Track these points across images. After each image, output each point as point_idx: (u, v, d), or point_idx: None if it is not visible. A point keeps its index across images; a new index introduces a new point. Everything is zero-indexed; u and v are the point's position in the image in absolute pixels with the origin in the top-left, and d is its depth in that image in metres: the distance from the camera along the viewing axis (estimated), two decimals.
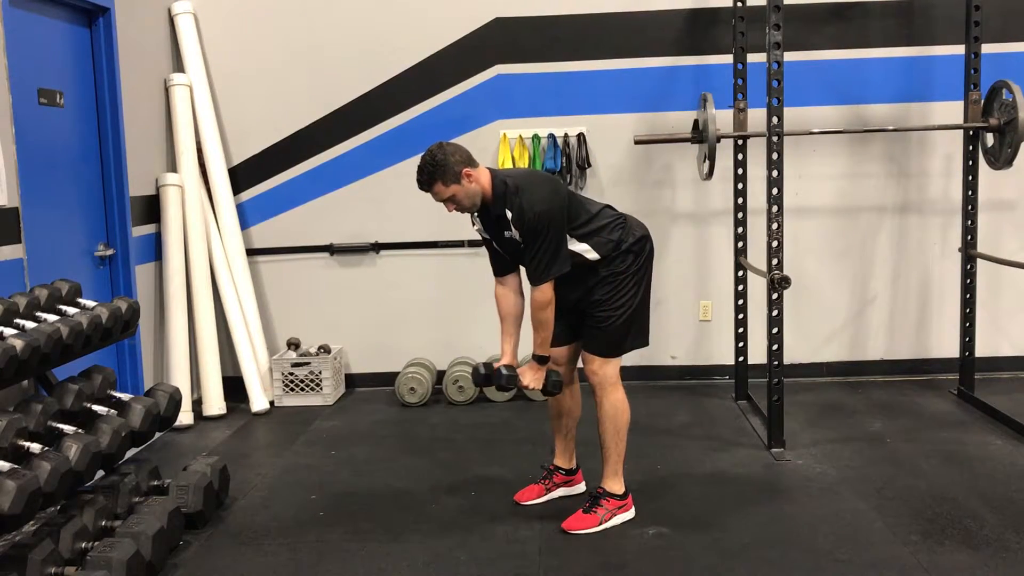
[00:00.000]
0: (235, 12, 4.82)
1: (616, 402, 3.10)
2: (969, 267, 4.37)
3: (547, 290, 2.95)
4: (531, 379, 3.07)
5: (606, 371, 3.09)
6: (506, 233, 2.97)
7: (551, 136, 4.67)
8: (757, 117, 4.15)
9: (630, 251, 3.06)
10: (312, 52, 4.82)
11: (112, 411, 3.11)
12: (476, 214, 3.08)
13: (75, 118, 3.99)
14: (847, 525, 3.06)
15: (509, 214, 2.91)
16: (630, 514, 3.15)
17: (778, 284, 3.66)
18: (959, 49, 4.34)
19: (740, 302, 4.49)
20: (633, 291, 3.06)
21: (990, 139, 4.21)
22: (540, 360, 3.06)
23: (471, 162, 2.94)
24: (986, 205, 4.51)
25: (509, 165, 4.69)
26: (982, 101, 4.19)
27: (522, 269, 3.10)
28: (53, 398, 3.01)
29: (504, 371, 3.07)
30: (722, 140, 4.26)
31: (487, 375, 3.17)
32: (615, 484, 3.14)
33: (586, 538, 3.03)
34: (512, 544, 3.00)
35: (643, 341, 3.17)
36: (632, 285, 3.06)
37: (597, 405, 3.12)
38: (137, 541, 2.69)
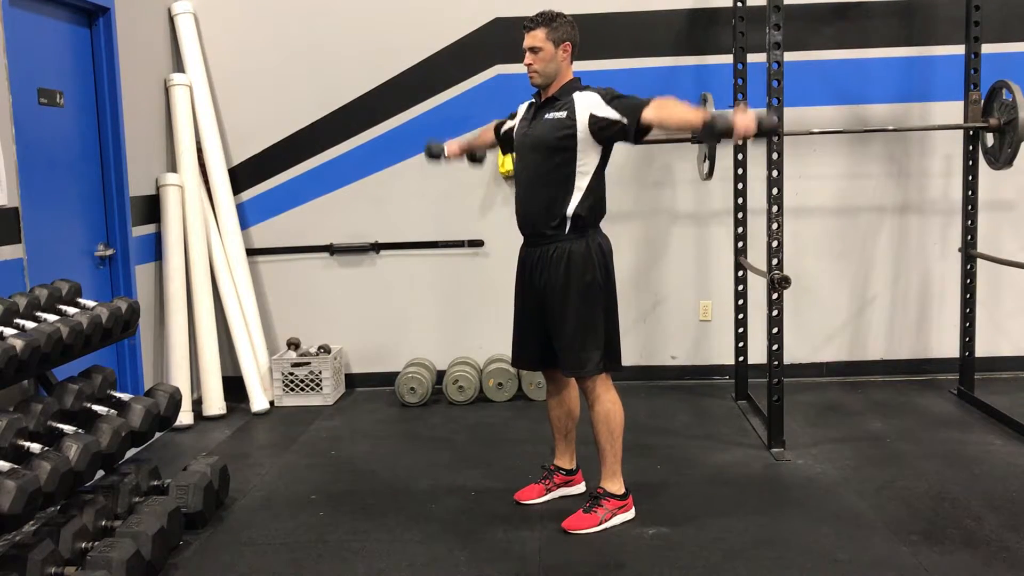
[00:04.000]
0: (235, 12, 4.82)
1: (607, 403, 3.09)
2: (969, 267, 4.37)
3: (656, 100, 2.87)
4: (743, 120, 2.71)
5: (587, 381, 3.08)
6: (547, 115, 3.01)
7: None
8: None
9: (600, 250, 3.06)
10: (312, 52, 4.82)
11: (112, 411, 3.11)
12: (515, 117, 3.21)
13: (75, 118, 3.99)
14: (847, 525, 3.06)
15: (578, 96, 2.97)
16: (630, 514, 3.15)
17: (778, 284, 3.66)
18: (959, 49, 4.34)
19: (740, 302, 4.49)
20: (592, 297, 3.02)
21: (990, 139, 4.21)
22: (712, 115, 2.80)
23: (574, 51, 3.06)
24: (986, 205, 4.51)
25: (509, 165, 4.69)
26: (982, 101, 4.19)
27: None
28: (53, 398, 3.01)
29: (715, 115, 2.70)
30: (722, 140, 4.26)
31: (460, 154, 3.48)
32: (614, 484, 3.14)
33: (586, 538, 3.03)
34: (512, 544, 3.00)
35: (613, 363, 3.11)
36: (592, 292, 3.02)
37: (589, 408, 3.12)
38: (137, 541, 2.69)
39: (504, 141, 3.40)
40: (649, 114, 2.86)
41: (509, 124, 3.33)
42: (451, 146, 3.54)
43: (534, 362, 3.26)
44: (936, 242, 4.85)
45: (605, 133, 2.95)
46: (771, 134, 2.88)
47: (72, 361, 3.13)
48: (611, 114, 2.92)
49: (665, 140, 4.43)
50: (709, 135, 2.80)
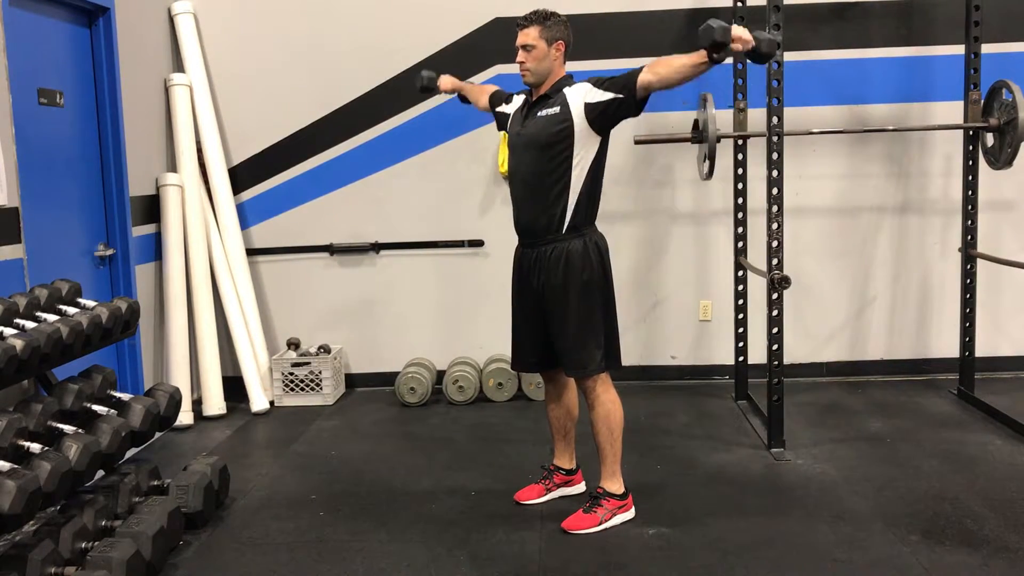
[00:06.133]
0: (235, 12, 4.82)
1: (607, 403, 3.09)
2: (969, 267, 4.37)
3: (648, 64, 2.85)
4: (742, 31, 2.65)
5: (588, 381, 3.09)
6: (540, 112, 3.02)
7: None
8: (757, 117, 4.16)
9: (597, 249, 3.06)
10: (312, 52, 4.83)
11: (112, 411, 3.11)
12: (511, 104, 3.25)
13: (75, 118, 3.99)
14: (847, 525, 3.06)
15: (568, 90, 2.99)
16: (630, 514, 3.15)
17: (778, 284, 3.66)
18: (959, 49, 4.34)
19: (740, 302, 4.49)
20: (591, 297, 3.03)
21: (990, 139, 4.21)
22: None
23: (567, 50, 3.07)
24: (986, 205, 4.51)
25: None
26: (982, 101, 4.19)
27: None
28: (53, 398, 3.01)
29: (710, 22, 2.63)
30: (722, 140, 4.26)
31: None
32: (614, 484, 3.14)
33: (586, 538, 3.03)
34: (512, 544, 3.00)
35: (613, 362, 3.12)
36: (591, 291, 3.03)
37: (588, 408, 3.13)
38: (137, 541, 2.69)
39: (499, 121, 3.40)
40: (645, 77, 2.86)
41: (504, 108, 3.32)
42: (445, 82, 3.61)
43: (533, 364, 3.26)
44: (936, 242, 4.85)
45: (604, 117, 2.95)
46: (767, 57, 2.73)
47: (72, 361, 3.13)
48: (605, 96, 2.92)
49: (665, 140, 4.42)
50: (706, 34, 2.62)
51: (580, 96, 2.96)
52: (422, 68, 4.73)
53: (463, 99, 3.67)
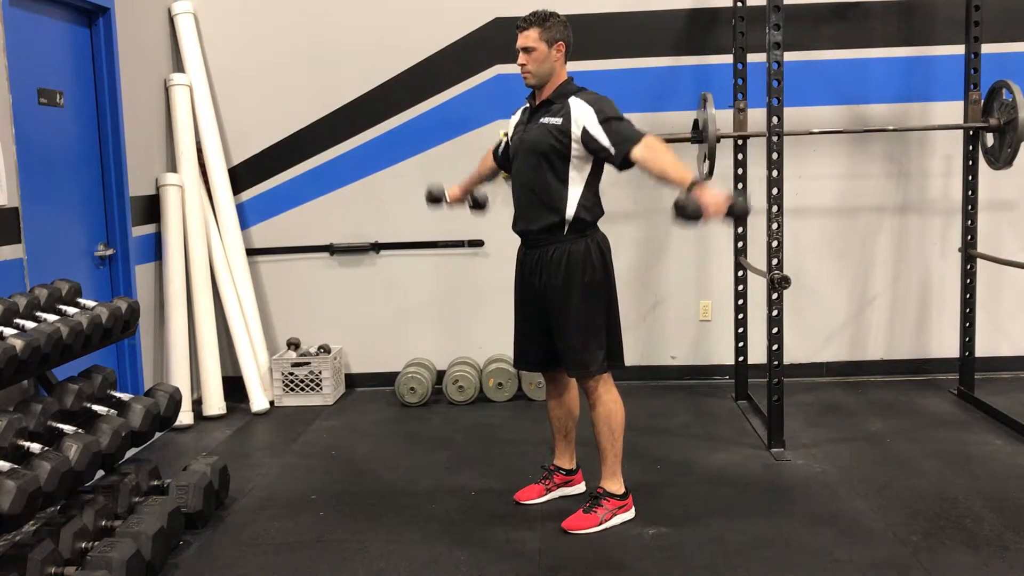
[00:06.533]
0: (235, 12, 4.82)
1: (609, 403, 3.09)
2: (969, 267, 4.37)
3: (647, 140, 2.86)
4: (715, 199, 2.65)
5: (590, 381, 3.08)
6: (543, 119, 3.00)
7: None
8: (757, 117, 4.16)
9: (599, 249, 3.05)
10: (312, 52, 4.83)
11: (112, 411, 3.11)
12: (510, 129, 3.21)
13: (75, 118, 3.99)
14: (847, 525, 3.06)
15: (574, 102, 2.96)
16: (630, 514, 3.15)
17: (778, 284, 3.66)
18: (959, 49, 4.34)
19: (740, 302, 4.49)
20: (592, 297, 3.02)
21: (990, 139, 4.21)
22: (696, 184, 2.73)
23: (567, 51, 3.06)
24: (986, 205, 4.51)
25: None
26: (982, 101, 4.19)
27: None
28: (53, 398, 3.01)
29: (686, 197, 2.66)
30: (722, 140, 4.26)
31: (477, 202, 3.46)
32: (614, 484, 3.14)
33: (586, 538, 3.03)
34: (512, 544, 3.00)
35: (616, 362, 3.12)
36: (593, 292, 3.02)
37: (590, 408, 3.13)
38: (137, 541, 2.69)
39: (505, 161, 3.34)
40: (637, 153, 2.87)
41: (505, 141, 3.30)
42: (453, 190, 3.50)
43: (535, 363, 3.26)
44: (936, 242, 4.86)
45: (594, 153, 2.97)
46: (742, 217, 2.82)
47: (72, 361, 3.13)
48: (601, 138, 2.92)
49: (666, 140, 4.41)
50: (681, 213, 2.69)
51: (583, 118, 2.94)
52: (422, 68, 4.81)
53: (476, 203, 3.52)
